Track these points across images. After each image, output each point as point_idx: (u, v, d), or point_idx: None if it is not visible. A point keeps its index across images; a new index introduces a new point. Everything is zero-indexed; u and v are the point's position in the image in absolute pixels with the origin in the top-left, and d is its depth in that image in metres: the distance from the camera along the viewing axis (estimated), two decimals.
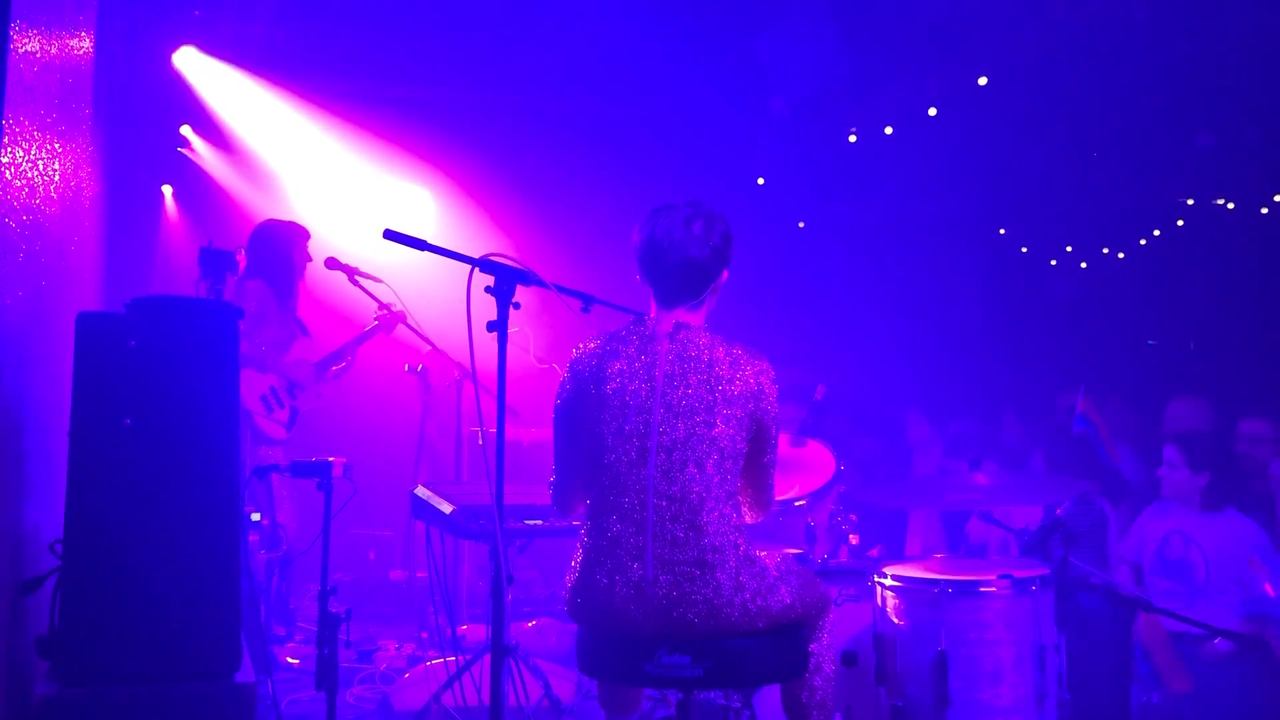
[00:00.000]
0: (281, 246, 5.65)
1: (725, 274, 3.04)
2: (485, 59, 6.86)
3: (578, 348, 3.01)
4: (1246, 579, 4.55)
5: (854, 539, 4.21)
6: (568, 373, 2.99)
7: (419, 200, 8.58)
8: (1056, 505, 4.49)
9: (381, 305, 5.65)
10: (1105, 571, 4.75)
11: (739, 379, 2.88)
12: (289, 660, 5.35)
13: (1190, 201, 9.76)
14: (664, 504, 2.80)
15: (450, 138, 7.97)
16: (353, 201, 8.14)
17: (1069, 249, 11.02)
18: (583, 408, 2.93)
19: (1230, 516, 4.76)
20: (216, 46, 6.60)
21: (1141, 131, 7.82)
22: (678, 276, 2.96)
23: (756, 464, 2.98)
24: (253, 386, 5.47)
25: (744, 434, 2.88)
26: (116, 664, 2.57)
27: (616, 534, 2.83)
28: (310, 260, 5.77)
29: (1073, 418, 5.82)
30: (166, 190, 7.94)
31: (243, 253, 5.39)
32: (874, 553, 4.34)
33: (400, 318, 5.65)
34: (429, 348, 5.58)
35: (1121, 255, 10.84)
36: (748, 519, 3.01)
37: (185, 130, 7.61)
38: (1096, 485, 5.29)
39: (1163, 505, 4.99)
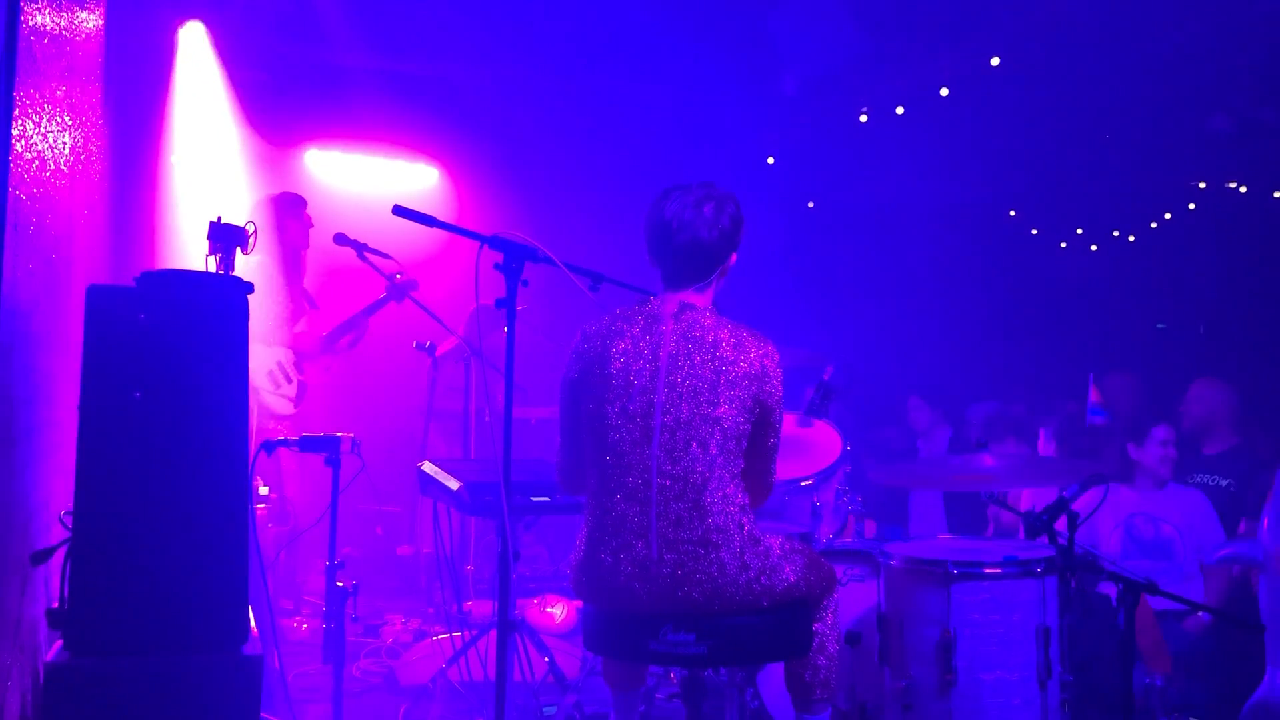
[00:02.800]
0: (276, 218, 5.63)
1: (734, 257, 3.03)
2: (494, 36, 6.83)
3: (584, 327, 3.01)
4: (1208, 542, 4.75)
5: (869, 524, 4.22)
6: (573, 352, 3.00)
7: (427, 179, 8.57)
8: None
9: (390, 276, 5.61)
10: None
11: (743, 360, 2.88)
12: (298, 627, 5.39)
13: (1202, 185, 9.70)
14: (668, 483, 2.81)
15: (458, 116, 7.93)
16: (362, 179, 8.13)
17: (1079, 231, 10.96)
18: (587, 387, 2.93)
19: (1181, 489, 4.92)
20: (225, 22, 6.57)
21: (1153, 113, 7.76)
22: (685, 258, 2.95)
23: (759, 447, 2.98)
24: (259, 361, 5.48)
25: (747, 415, 2.88)
26: (125, 635, 2.59)
27: (621, 512, 2.84)
28: (312, 226, 5.75)
29: (1087, 407, 5.78)
30: (176, 159, 7.92)
31: (254, 227, 5.39)
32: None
33: (410, 286, 5.63)
34: (437, 324, 5.59)
35: (1132, 238, 10.78)
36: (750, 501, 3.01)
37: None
38: (1108, 470, 5.28)
39: (1114, 489, 4.94)
